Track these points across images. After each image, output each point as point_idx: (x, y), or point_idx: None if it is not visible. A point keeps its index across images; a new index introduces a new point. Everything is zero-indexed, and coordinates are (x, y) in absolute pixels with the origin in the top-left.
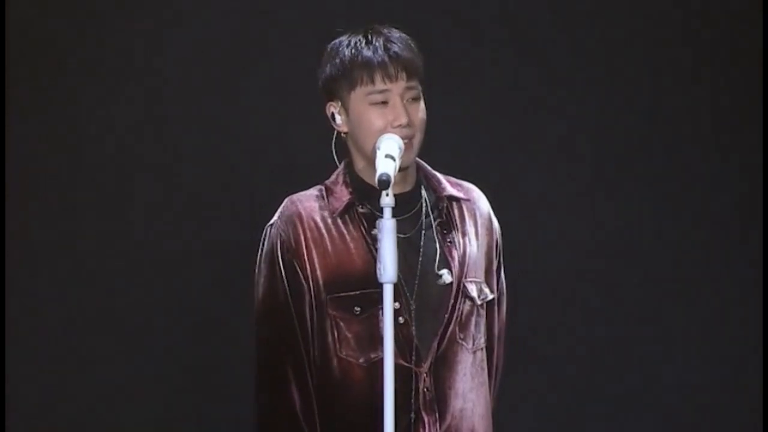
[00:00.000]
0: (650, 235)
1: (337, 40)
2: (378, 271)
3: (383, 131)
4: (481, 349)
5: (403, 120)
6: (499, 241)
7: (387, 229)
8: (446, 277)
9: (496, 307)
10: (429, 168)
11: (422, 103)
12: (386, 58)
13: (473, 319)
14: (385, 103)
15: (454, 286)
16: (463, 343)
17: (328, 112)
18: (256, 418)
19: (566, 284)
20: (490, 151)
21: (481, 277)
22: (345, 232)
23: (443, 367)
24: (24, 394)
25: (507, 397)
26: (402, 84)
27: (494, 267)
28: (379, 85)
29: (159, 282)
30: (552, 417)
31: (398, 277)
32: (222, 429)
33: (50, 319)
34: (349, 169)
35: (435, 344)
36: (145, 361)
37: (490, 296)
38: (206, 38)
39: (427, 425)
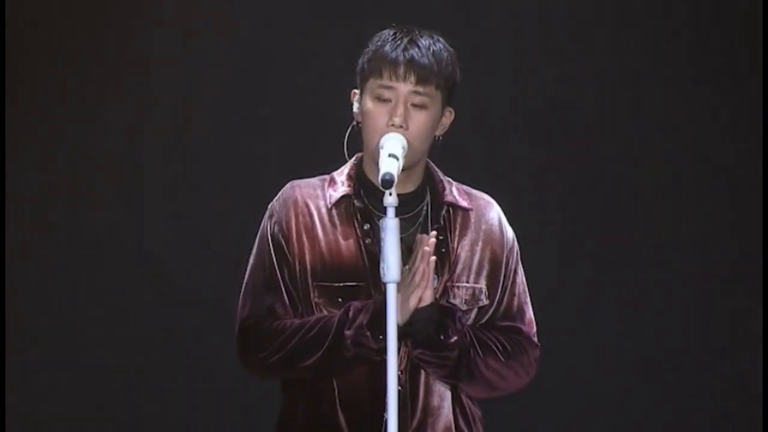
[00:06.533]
0: (652, 236)
1: (380, 32)
2: (381, 270)
3: (382, 128)
4: None
5: (396, 120)
6: (514, 251)
7: (390, 229)
8: None
9: (498, 313)
10: (439, 173)
11: (429, 113)
12: (400, 58)
13: None
14: (389, 101)
15: (439, 289)
16: None
17: (352, 99)
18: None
19: (566, 284)
20: (488, 152)
21: (477, 283)
22: (338, 223)
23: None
24: (24, 394)
25: (507, 397)
26: (409, 87)
27: (501, 275)
28: (386, 80)
29: (160, 282)
30: (552, 417)
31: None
32: (223, 430)
33: (50, 319)
34: (358, 162)
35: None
36: (146, 361)
37: (484, 302)
38: (211, 38)
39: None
